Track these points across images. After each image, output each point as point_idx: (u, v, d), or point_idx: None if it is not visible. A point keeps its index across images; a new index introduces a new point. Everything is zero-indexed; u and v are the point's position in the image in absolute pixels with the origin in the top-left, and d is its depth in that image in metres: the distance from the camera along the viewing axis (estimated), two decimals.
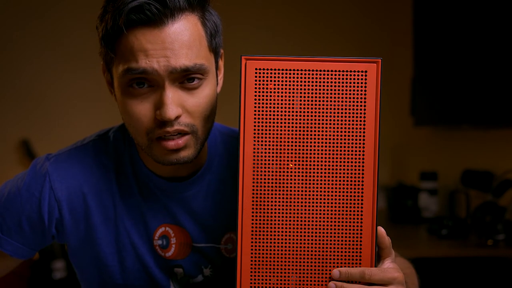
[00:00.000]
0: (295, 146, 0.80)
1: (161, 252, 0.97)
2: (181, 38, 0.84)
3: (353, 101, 0.80)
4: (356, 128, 0.80)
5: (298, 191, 0.80)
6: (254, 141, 0.80)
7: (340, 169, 0.80)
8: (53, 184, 0.95)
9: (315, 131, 0.80)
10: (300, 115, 0.80)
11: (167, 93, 0.84)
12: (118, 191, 0.97)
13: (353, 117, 0.80)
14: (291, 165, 0.80)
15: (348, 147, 0.80)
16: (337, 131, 0.80)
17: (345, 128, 0.80)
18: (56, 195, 0.95)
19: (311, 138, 0.80)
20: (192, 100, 0.87)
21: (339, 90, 0.80)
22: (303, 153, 0.80)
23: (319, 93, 0.80)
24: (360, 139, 0.80)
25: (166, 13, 0.83)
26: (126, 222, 0.96)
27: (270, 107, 0.80)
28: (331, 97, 0.80)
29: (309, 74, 0.80)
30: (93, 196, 0.96)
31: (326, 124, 0.80)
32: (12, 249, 0.97)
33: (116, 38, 0.85)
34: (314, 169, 0.80)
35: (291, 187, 0.81)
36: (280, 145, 0.80)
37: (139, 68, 0.83)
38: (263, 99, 0.80)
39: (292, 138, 0.80)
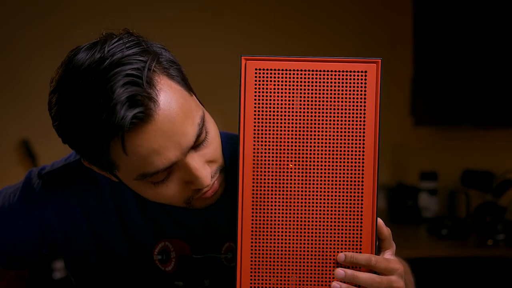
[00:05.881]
0: (295, 146, 0.80)
1: (161, 267, 0.95)
2: (175, 115, 0.75)
3: (353, 101, 0.80)
4: (356, 128, 0.80)
5: (298, 191, 0.80)
6: (254, 141, 0.80)
7: (340, 169, 0.80)
8: (46, 205, 0.93)
9: (315, 131, 0.80)
10: (300, 115, 0.80)
11: (195, 167, 0.79)
12: (115, 208, 0.93)
13: (353, 117, 0.80)
14: (291, 165, 0.80)
15: (348, 147, 0.80)
16: (337, 132, 0.80)
17: (345, 128, 0.80)
18: (48, 217, 0.93)
19: (311, 139, 0.80)
20: (207, 151, 0.82)
21: (339, 90, 0.80)
22: (303, 154, 0.80)
23: (319, 94, 0.80)
24: (360, 140, 0.80)
25: (151, 98, 0.73)
26: (123, 239, 0.94)
27: (270, 107, 0.80)
28: (331, 98, 0.80)
29: (309, 74, 0.80)
30: (87, 215, 0.93)
31: (326, 124, 0.80)
32: (4, 263, 0.96)
33: (107, 145, 0.74)
34: (314, 169, 0.80)
35: (291, 187, 0.80)
36: (280, 145, 0.80)
37: (158, 171, 0.77)
38: (263, 99, 0.80)
39: (292, 138, 0.80)
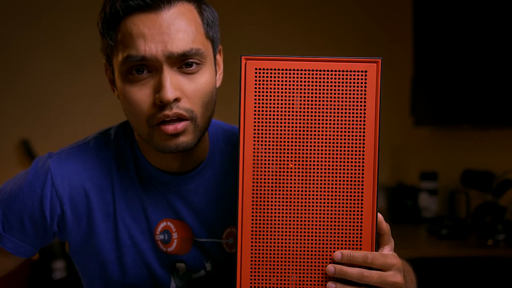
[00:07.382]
0: (295, 146, 0.80)
1: (163, 247, 0.97)
2: (177, 23, 0.86)
3: (353, 101, 0.80)
4: (356, 128, 0.80)
5: (298, 191, 0.80)
6: (254, 141, 0.80)
7: (340, 169, 0.80)
8: (55, 181, 0.96)
9: (315, 131, 0.80)
10: (300, 115, 0.80)
11: (165, 76, 0.86)
12: (120, 186, 0.97)
13: (353, 117, 0.80)
14: (291, 165, 0.80)
15: (348, 147, 0.80)
16: (337, 131, 0.80)
17: (345, 128, 0.80)
18: (58, 192, 0.95)
19: (311, 138, 0.80)
20: (190, 85, 0.88)
21: (339, 90, 0.80)
22: (303, 153, 0.80)
23: (319, 93, 0.80)
24: (360, 139, 0.80)
25: None
26: (126, 217, 0.96)
27: (270, 107, 0.80)
28: (331, 97, 0.80)
29: (309, 74, 0.80)
30: (95, 192, 0.96)
31: (326, 124, 0.80)
32: (13, 247, 0.97)
33: (115, 25, 0.87)
34: (314, 169, 0.80)
35: (291, 187, 0.80)
36: (280, 145, 0.80)
37: (138, 55, 0.86)
38: (263, 99, 0.80)
39: (292, 138, 0.80)
